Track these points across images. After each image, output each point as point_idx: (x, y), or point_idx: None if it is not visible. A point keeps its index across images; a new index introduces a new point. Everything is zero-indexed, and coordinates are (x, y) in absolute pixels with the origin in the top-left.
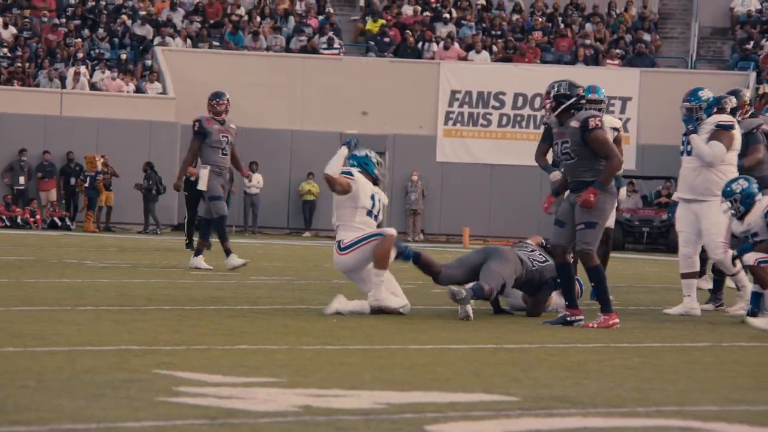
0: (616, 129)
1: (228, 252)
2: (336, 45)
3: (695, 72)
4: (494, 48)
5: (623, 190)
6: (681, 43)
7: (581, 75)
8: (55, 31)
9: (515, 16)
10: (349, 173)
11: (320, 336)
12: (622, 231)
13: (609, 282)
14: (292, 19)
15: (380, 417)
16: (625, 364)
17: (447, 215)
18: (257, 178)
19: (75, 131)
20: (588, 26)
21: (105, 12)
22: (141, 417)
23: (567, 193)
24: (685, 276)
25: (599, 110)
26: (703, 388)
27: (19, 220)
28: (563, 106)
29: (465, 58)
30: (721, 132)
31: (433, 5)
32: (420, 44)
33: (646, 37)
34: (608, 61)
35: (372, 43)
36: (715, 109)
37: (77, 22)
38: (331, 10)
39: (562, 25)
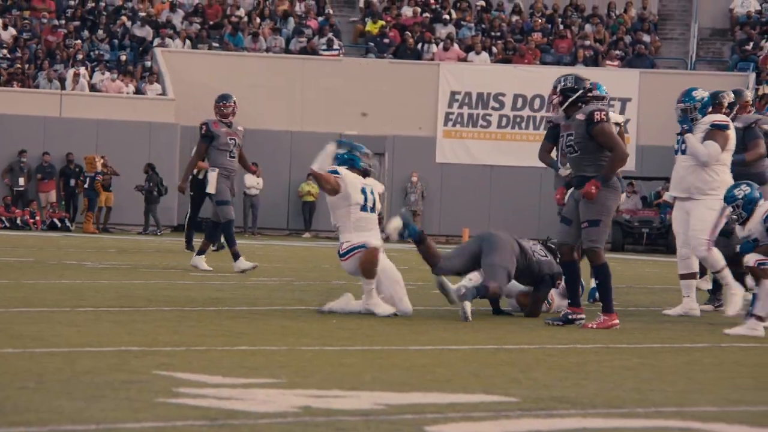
0: (618, 124)
1: (236, 256)
2: (335, 46)
3: (695, 73)
4: (494, 49)
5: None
6: (680, 44)
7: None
8: (54, 32)
9: (515, 18)
10: (335, 171)
11: (320, 337)
12: (621, 232)
13: None
14: (291, 20)
15: (380, 418)
16: (625, 365)
17: (446, 216)
18: (257, 180)
19: (75, 132)
20: (587, 27)
21: (104, 13)
22: (141, 418)
23: (571, 189)
24: (683, 277)
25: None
26: (703, 389)
27: (18, 221)
28: (570, 100)
29: (464, 60)
30: (716, 132)
31: (433, 6)
32: (419, 45)
33: (646, 38)
34: (608, 62)
35: (371, 44)
36: (710, 109)
37: (77, 23)
38: (331, 12)
39: (561, 27)
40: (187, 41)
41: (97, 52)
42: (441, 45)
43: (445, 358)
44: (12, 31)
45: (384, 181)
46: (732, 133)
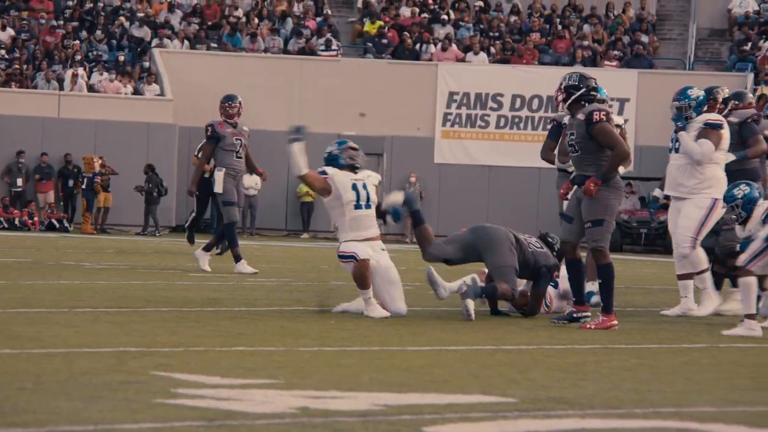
0: (618, 126)
1: (238, 258)
2: (334, 46)
3: (693, 73)
4: (492, 49)
5: None
6: (679, 44)
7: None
8: (52, 32)
9: (513, 18)
10: (324, 172)
11: (318, 337)
12: (620, 232)
13: None
14: (289, 20)
15: (378, 418)
16: (623, 366)
17: (445, 217)
18: (255, 180)
19: (73, 133)
20: (586, 28)
21: (103, 14)
22: (139, 419)
23: (575, 187)
24: (681, 277)
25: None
26: (701, 390)
27: (16, 221)
28: (573, 97)
29: (463, 60)
30: (710, 131)
31: (431, 7)
32: (418, 46)
33: (644, 38)
34: (606, 62)
35: (370, 44)
36: (705, 108)
37: (75, 23)
38: (329, 12)
39: (559, 27)
40: (186, 42)
41: (95, 52)
42: (439, 45)
43: (443, 358)
44: (10, 31)
45: (382, 181)
46: (726, 133)
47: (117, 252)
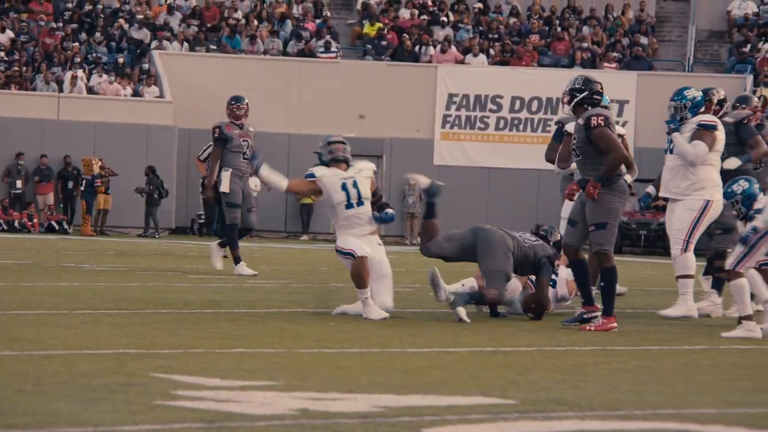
0: (620, 136)
1: (237, 260)
2: (333, 48)
3: (692, 75)
4: (491, 51)
5: None
6: (678, 46)
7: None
8: (52, 35)
9: (512, 20)
10: (311, 175)
11: (317, 339)
12: (619, 234)
13: None
14: (289, 22)
15: (378, 420)
16: (622, 367)
17: (444, 218)
18: (255, 182)
19: (72, 135)
20: (585, 29)
21: (102, 16)
22: (138, 421)
23: (580, 191)
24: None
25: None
26: (701, 391)
27: (16, 224)
28: (576, 100)
29: (462, 62)
30: (703, 132)
31: (431, 9)
32: (417, 48)
33: (644, 40)
34: (605, 64)
35: (369, 46)
36: (701, 109)
37: (74, 26)
38: (328, 14)
39: (559, 29)
40: (185, 44)
41: (94, 54)
42: (438, 47)
43: (442, 360)
44: (9, 33)
45: (382, 183)
46: (720, 134)
47: (117, 254)
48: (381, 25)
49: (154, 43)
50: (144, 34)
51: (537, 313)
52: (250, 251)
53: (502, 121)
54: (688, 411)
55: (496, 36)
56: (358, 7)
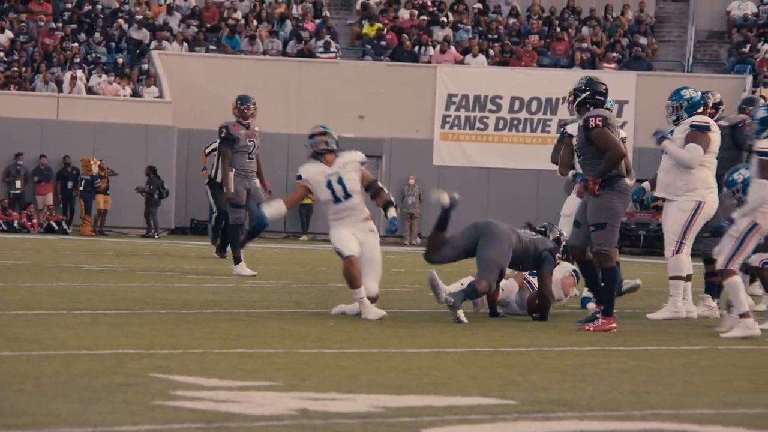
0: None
1: (237, 260)
2: (333, 49)
3: (692, 75)
4: (491, 52)
5: None
6: (677, 46)
7: (578, 79)
8: (51, 35)
9: (512, 20)
10: (300, 176)
11: (317, 340)
12: (619, 234)
13: None
14: (288, 23)
15: (377, 421)
16: (621, 368)
17: None
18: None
19: (71, 135)
20: (585, 30)
21: (101, 16)
22: (137, 421)
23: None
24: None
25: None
26: (699, 392)
27: (15, 224)
28: (578, 100)
29: (462, 62)
30: (697, 133)
31: (430, 9)
32: (417, 48)
33: (643, 40)
34: (605, 64)
35: (369, 46)
36: (699, 110)
37: (74, 26)
38: (328, 14)
39: (558, 29)
40: (184, 44)
41: (94, 54)
42: (438, 47)
43: (441, 360)
44: (9, 33)
45: (381, 183)
46: (714, 135)
47: (116, 254)
48: (380, 25)
49: (153, 44)
50: (143, 35)
51: (542, 310)
52: (250, 252)
53: (502, 122)
54: (687, 411)
55: (495, 36)
56: (358, 7)
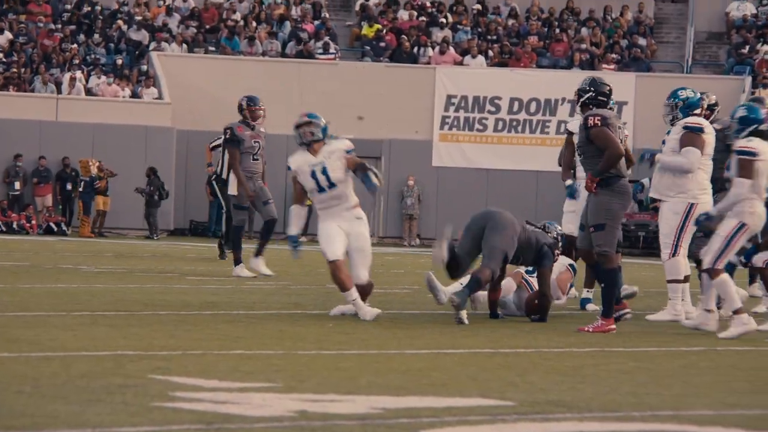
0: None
1: (238, 261)
2: (332, 50)
3: (691, 76)
4: (490, 53)
5: None
6: (676, 47)
7: (577, 80)
8: (50, 36)
9: (511, 21)
10: (289, 167)
11: (316, 341)
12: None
13: None
14: (287, 24)
15: (376, 422)
16: (621, 369)
17: (443, 220)
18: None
19: (71, 136)
20: (584, 31)
21: (100, 17)
22: (137, 422)
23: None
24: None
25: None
26: (699, 393)
27: (15, 225)
28: (581, 100)
29: (461, 63)
30: (690, 135)
31: (429, 10)
32: (416, 49)
33: (642, 41)
34: (604, 65)
35: (368, 47)
36: (696, 110)
37: (73, 27)
38: (327, 15)
39: (557, 30)
40: (184, 45)
41: (93, 56)
42: (437, 48)
43: (441, 361)
44: (8, 35)
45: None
46: (708, 137)
47: (115, 255)
48: (379, 26)
49: (152, 45)
50: (142, 36)
51: (542, 311)
52: (249, 253)
53: (501, 123)
54: (687, 412)
55: (494, 37)
56: (357, 8)
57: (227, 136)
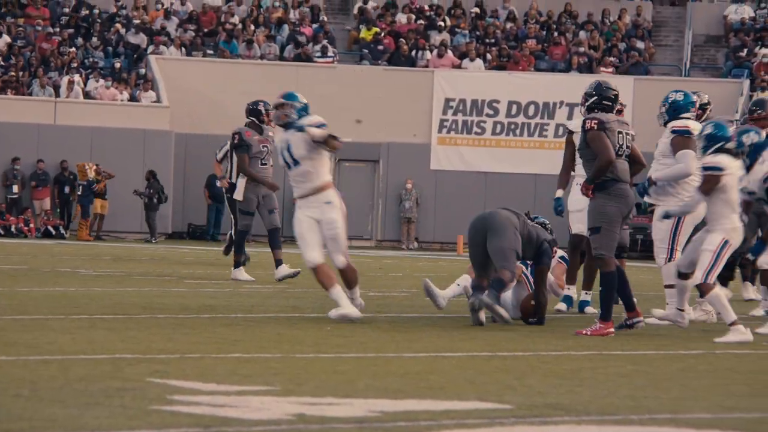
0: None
1: (237, 264)
2: (330, 53)
3: (689, 80)
4: (488, 56)
5: None
6: (675, 50)
7: (575, 83)
8: (48, 39)
9: (509, 24)
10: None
11: (314, 344)
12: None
13: None
14: (286, 27)
15: (374, 425)
16: (619, 372)
17: (441, 223)
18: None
19: (69, 140)
20: (582, 34)
21: (99, 20)
22: (135, 425)
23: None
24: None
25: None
26: (697, 396)
27: (12, 228)
28: (587, 104)
29: (459, 66)
30: (679, 138)
31: (427, 13)
32: (414, 52)
33: (640, 44)
34: (602, 69)
35: (366, 51)
36: (686, 114)
37: (71, 30)
38: (325, 19)
39: (555, 33)
40: (182, 48)
41: (91, 59)
42: (435, 52)
43: (439, 365)
44: (6, 38)
45: (378, 188)
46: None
47: (113, 259)
48: (378, 29)
49: (150, 48)
50: (141, 39)
51: (539, 311)
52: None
53: (499, 126)
54: (685, 416)
55: (492, 41)
56: (355, 11)
57: (235, 141)
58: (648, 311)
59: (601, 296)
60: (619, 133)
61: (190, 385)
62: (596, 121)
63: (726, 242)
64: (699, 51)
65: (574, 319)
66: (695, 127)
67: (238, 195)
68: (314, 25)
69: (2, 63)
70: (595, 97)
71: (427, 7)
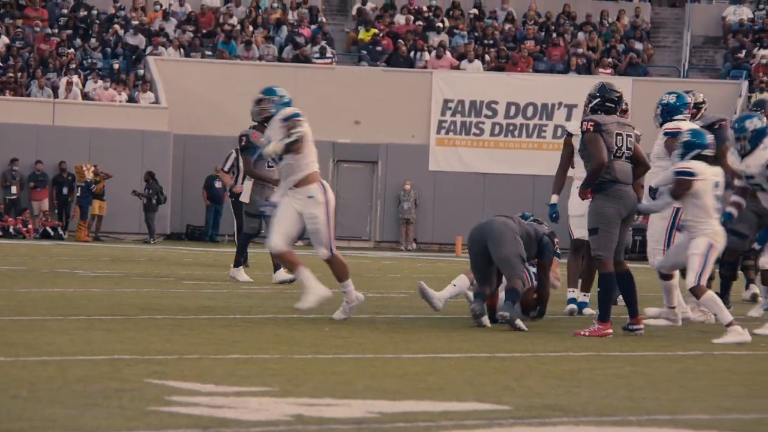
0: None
1: (238, 263)
2: (328, 54)
3: (687, 81)
4: (487, 57)
5: None
6: (673, 52)
7: (574, 84)
8: (47, 40)
9: (507, 26)
10: None
11: (312, 345)
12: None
13: None
14: (284, 28)
15: (372, 426)
16: (617, 373)
17: (440, 224)
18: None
19: (67, 141)
20: (580, 35)
21: (97, 22)
22: (133, 426)
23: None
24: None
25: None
26: (695, 397)
27: (11, 229)
28: (590, 106)
29: (457, 68)
30: (672, 140)
31: (426, 15)
32: (412, 53)
33: (639, 46)
34: (600, 70)
35: (364, 52)
36: (678, 115)
37: (69, 31)
38: (324, 20)
39: (554, 35)
40: (181, 49)
41: (89, 60)
42: (434, 53)
43: (437, 366)
44: (5, 39)
45: (377, 189)
46: None
47: (111, 260)
48: (376, 30)
49: (149, 49)
50: (139, 40)
51: (541, 303)
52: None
53: (498, 127)
54: (683, 417)
55: (491, 42)
56: (354, 12)
57: (242, 144)
58: (642, 311)
59: (600, 297)
60: (618, 134)
61: (188, 386)
62: (592, 123)
63: (711, 245)
64: (697, 52)
65: (573, 321)
66: (688, 127)
67: (245, 197)
68: (313, 26)
69: (1, 64)
70: (598, 99)
71: (425, 8)
